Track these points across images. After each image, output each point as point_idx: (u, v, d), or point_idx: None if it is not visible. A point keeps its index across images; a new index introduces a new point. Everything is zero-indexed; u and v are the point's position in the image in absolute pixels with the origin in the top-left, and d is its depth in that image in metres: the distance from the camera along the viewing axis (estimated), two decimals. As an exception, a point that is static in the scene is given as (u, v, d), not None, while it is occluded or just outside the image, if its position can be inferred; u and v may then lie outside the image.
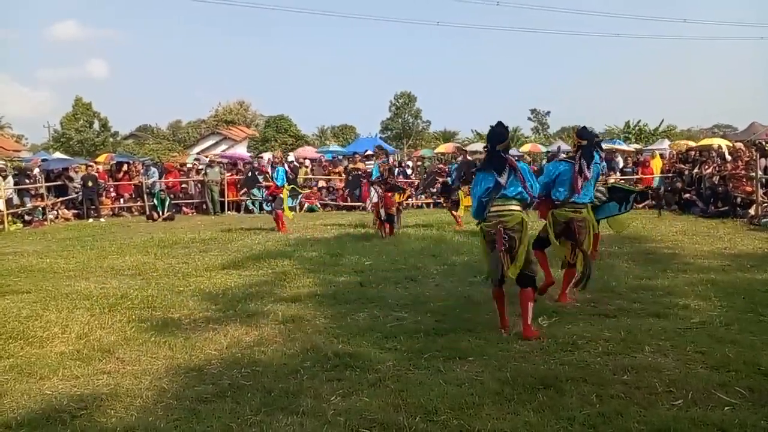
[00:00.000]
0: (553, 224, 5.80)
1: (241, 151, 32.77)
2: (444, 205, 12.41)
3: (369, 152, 20.39)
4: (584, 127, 6.06)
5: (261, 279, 7.29)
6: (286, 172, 12.41)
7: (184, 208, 18.69)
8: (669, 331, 4.74)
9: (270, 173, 12.25)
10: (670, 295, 5.99)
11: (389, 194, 10.75)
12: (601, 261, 7.88)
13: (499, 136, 5.07)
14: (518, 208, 5.03)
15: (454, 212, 12.02)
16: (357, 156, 19.51)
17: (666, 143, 24.62)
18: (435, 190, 13.16)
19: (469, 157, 13.20)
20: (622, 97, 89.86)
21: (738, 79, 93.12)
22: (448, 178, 11.76)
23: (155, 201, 17.22)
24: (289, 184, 12.15)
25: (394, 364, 4.18)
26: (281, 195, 12.14)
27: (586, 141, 5.76)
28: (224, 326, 5.23)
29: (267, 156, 24.07)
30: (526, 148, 30.06)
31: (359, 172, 12.30)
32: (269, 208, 12.23)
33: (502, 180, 4.93)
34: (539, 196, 5.54)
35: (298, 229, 12.58)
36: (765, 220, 11.35)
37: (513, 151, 24.02)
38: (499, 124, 5.12)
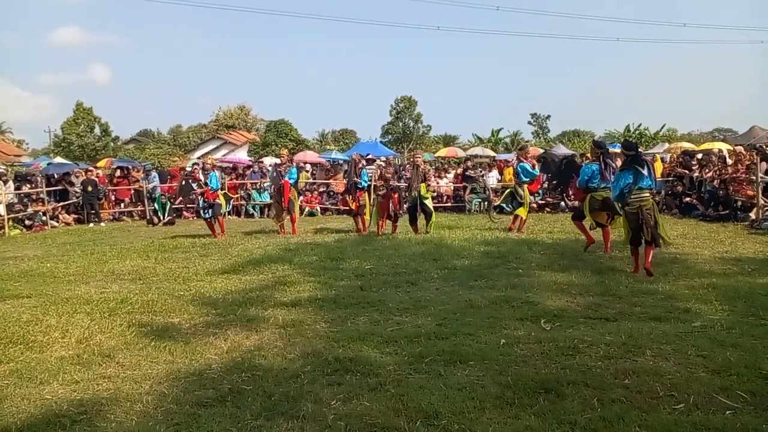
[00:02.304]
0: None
1: (242, 155, 32.84)
2: (351, 206, 12.59)
3: (371, 156, 20.41)
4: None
5: (261, 283, 7.28)
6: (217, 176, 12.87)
7: (184, 213, 18.69)
8: (670, 335, 4.73)
9: (203, 180, 12.39)
10: (671, 298, 5.98)
11: (395, 195, 11.45)
12: (601, 264, 7.90)
13: (636, 145, 7.95)
14: (649, 194, 7.31)
15: (361, 216, 12.38)
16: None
17: (666, 147, 24.65)
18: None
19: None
20: (623, 102, 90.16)
21: (738, 83, 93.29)
22: (359, 179, 12.18)
23: (156, 205, 17.23)
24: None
25: (394, 368, 4.17)
26: (219, 200, 12.40)
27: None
28: (224, 331, 5.23)
29: (268, 160, 24.15)
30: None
31: (280, 171, 12.61)
32: (208, 216, 12.40)
33: (645, 172, 7.23)
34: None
35: (299, 233, 12.59)
36: (766, 223, 11.34)
37: (513, 155, 24.17)
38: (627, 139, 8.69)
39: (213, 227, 12.45)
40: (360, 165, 12.56)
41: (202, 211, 12.45)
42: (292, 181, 12.45)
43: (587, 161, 10.37)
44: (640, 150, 7.61)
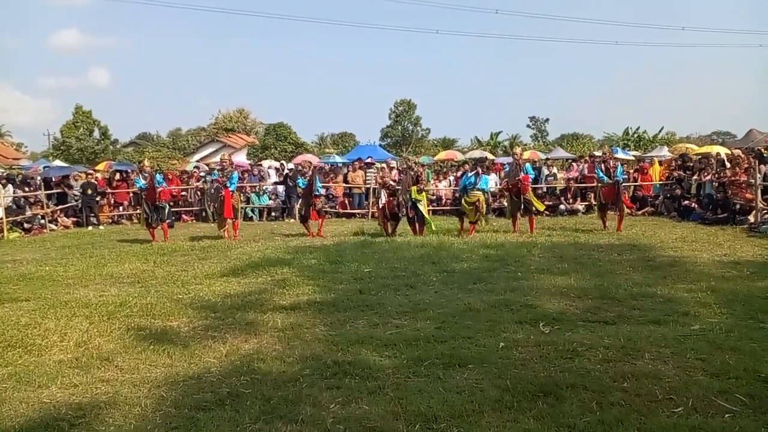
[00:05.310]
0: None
1: (241, 158, 32.87)
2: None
3: (370, 159, 20.44)
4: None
5: (260, 287, 7.28)
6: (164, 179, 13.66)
7: (183, 216, 18.69)
8: (669, 339, 4.73)
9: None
10: (670, 302, 5.98)
11: (391, 198, 12.19)
12: (600, 268, 7.90)
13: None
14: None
15: (322, 218, 13.10)
16: (356, 163, 19.53)
17: (665, 150, 24.66)
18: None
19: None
20: (621, 105, 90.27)
21: (736, 87, 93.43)
22: (315, 187, 12.80)
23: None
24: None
25: (393, 372, 4.17)
26: (165, 205, 12.81)
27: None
28: (223, 334, 5.23)
29: (266, 163, 24.16)
30: (526, 154, 30.08)
31: (218, 184, 12.69)
32: (160, 219, 12.60)
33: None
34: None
35: (297, 237, 12.59)
36: (764, 226, 11.35)
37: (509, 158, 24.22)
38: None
39: (153, 233, 12.58)
40: (316, 173, 13.38)
41: (152, 219, 12.49)
42: (232, 189, 12.55)
43: (465, 171, 13.21)
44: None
